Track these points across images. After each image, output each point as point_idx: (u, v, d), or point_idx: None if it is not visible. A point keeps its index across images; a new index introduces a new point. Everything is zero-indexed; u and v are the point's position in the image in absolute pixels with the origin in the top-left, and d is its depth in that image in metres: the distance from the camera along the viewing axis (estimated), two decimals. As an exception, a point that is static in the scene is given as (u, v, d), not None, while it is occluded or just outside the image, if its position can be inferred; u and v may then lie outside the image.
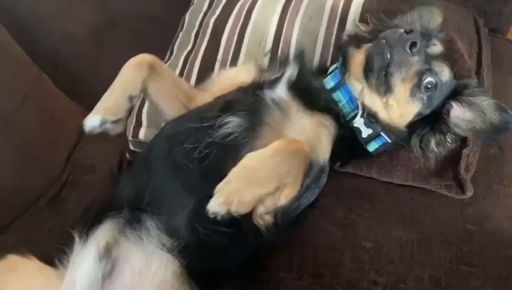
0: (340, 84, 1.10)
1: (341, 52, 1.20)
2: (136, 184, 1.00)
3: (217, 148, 0.95)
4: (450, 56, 1.37)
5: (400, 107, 1.09)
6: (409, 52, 1.01)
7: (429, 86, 1.07)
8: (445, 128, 1.12)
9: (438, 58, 1.12)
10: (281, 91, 1.07)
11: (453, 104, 1.14)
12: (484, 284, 1.07)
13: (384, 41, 1.02)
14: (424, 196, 1.25)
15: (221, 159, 0.94)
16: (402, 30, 1.01)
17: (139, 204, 0.96)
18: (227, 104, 1.04)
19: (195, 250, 0.93)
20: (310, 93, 1.08)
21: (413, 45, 1.01)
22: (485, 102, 1.11)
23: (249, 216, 0.91)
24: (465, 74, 1.33)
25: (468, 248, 1.14)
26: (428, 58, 1.08)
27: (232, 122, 0.98)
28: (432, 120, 1.13)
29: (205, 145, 0.95)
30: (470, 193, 1.21)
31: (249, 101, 1.04)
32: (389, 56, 1.01)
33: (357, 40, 1.18)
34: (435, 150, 1.14)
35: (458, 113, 1.13)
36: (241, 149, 0.95)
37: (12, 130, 1.30)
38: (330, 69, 1.17)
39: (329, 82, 1.12)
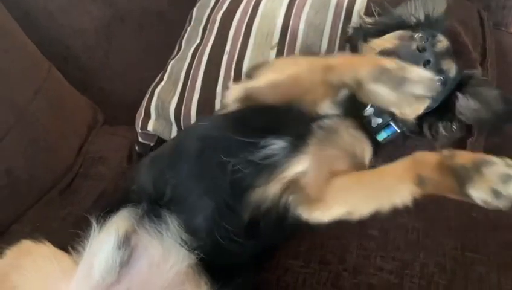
0: None
1: (350, 46, 1.22)
2: (158, 178, 0.98)
3: (253, 167, 0.93)
4: (454, 48, 1.39)
5: (410, 106, 1.09)
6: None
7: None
8: (451, 117, 1.14)
9: (445, 55, 1.13)
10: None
11: (459, 95, 1.16)
12: (489, 271, 1.08)
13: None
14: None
15: (254, 176, 0.93)
16: (415, 47, 1.03)
17: (159, 199, 0.96)
18: (275, 124, 0.98)
19: (212, 248, 0.94)
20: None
21: (427, 63, 1.03)
22: (490, 93, 1.13)
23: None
24: (469, 66, 1.35)
25: (473, 234, 1.15)
26: (437, 57, 1.09)
27: (277, 145, 0.95)
28: (439, 109, 1.14)
29: (243, 163, 0.93)
30: (475, 180, 1.22)
31: (298, 128, 1.00)
32: None
33: (363, 33, 1.20)
34: (444, 133, 1.16)
35: (463, 102, 1.15)
36: (277, 169, 0.94)
37: (25, 121, 1.32)
38: None
39: None
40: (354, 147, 1.07)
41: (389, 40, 1.14)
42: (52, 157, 1.39)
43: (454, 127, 1.15)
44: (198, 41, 1.56)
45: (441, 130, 1.15)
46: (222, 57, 1.44)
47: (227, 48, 1.45)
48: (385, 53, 1.05)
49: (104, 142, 1.55)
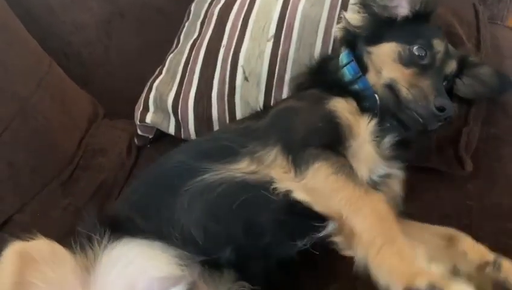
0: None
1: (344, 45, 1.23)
2: (215, 236, 0.97)
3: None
4: (449, 40, 1.41)
5: None
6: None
7: None
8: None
9: (447, 60, 1.17)
10: None
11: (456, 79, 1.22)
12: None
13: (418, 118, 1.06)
14: (425, 174, 1.28)
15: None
16: (435, 109, 1.03)
17: (214, 253, 0.97)
18: None
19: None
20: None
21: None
22: (485, 71, 1.22)
23: None
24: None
25: (468, 221, 1.17)
26: (440, 71, 1.14)
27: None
28: None
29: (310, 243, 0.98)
30: (469, 169, 1.24)
31: None
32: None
33: (353, 37, 1.19)
34: None
35: (460, 83, 1.22)
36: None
37: (27, 113, 1.35)
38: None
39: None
40: None
41: (396, 70, 1.12)
42: (53, 149, 1.42)
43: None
44: (196, 35, 1.59)
45: None
46: (219, 50, 1.47)
47: (224, 41, 1.47)
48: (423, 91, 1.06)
49: (104, 135, 1.58)
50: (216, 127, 1.46)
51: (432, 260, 0.92)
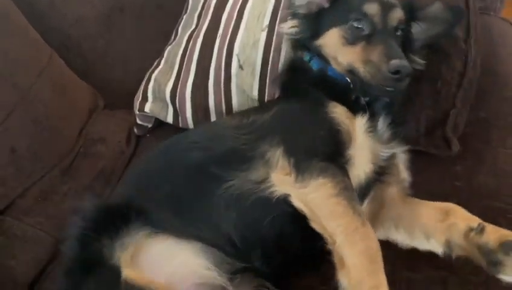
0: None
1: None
2: (251, 241, 1.01)
3: None
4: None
5: None
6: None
7: None
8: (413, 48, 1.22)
9: (392, 10, 1.16)
10: None
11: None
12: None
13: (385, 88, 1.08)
14: (414, 156, 1.31)
15: None
16: (391, 75, 1.04)
17: (247, 254, 1.00)
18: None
19: None
20: None
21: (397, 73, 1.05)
22: (434, 8, 1.23)
23: None
24: (453, 42, 1.41)
25: (456, 201, 1.18)
26: (387, 29, 1.14)
27: None
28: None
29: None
30: (456, 149, 1.27)
31: None
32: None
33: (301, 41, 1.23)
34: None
35: (416, 29, 1.24)
36: None
37: (28, 102, 1.39)
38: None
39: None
40: None
41: (347, 52, 1.14)
42: (54, 137, 1.46)
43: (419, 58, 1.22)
44: (193, 27, 1.63)
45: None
46: (215, 40, 1.50)
47: (220, 31, 1.51)
48: (373, 62, 1.08)
49: (103, 124, 1.62)
50: (213, 115, 1.50)
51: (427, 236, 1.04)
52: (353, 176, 1.04)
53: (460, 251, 1.01)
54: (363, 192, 1.11)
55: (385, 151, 1.12)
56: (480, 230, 0.96)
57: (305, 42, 1.22)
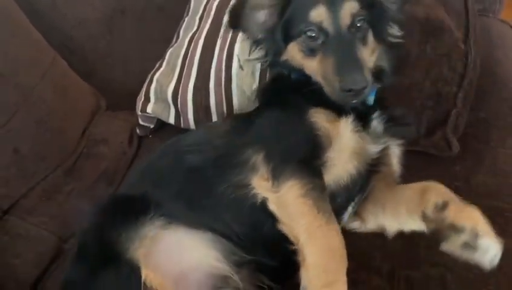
0: None
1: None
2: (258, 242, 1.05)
3: None
4: (437, 28, 1.46)
5: None
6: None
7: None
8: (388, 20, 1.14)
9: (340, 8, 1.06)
10: None
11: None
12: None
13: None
14: (413, 157, 1.32)
15: None
16: (345, 93, 1.01)
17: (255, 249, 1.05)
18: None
19: None
20: None
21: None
22: None
23: None
24: (452, 44, 1.43)
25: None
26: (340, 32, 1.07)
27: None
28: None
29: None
30: (456, 150, 1.29)
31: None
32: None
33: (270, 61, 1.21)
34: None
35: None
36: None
37: (32, 103, 1.41)
38: None
39: None
40: None
41: (309, 64, 1.11)
42: (57, 138, 1.47)
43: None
44: (195, 29, 1.64)
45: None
46: (216, 42, 1.52)
47: (221, 33, 1.52)
48: (328, 79, 1.05)
49: (106, 125, 1.64)
50: (214, 115, 1.52)
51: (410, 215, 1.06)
52: (336, 175, 1.06)
53: (431, 224, 1.02)
54: (362, 183, 1.12)
55: (377, 147, 1.12)
56: (442, 206, 0.99)
57: (275, 61, 1.18)
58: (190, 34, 1.63)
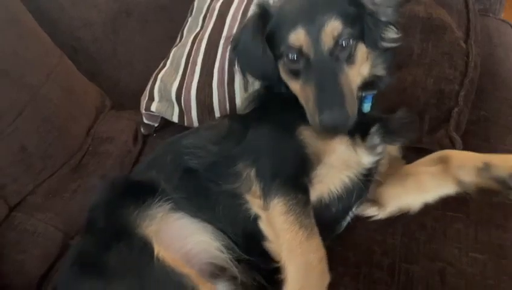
0: None
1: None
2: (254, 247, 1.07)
3: None
4: (439, 27, 1.48)
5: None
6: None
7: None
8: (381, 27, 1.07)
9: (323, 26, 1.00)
10: None
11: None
12: (467, 226, 1.16)
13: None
14: (415, 154, 1.34)
15: None
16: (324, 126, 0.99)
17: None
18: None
19: None
20: None
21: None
22: None
23: None
24: (454, 42, 1.44)
25: (455, 196, 1.22)
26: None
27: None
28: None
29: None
30: (459, 147, 1.30)
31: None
32: None
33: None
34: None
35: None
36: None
37: (38, 101, 1.43)
38: None
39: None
40: None
41: (295, 86, 1.07)
42: (63, 136, 1.49)
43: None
44: (198, 29, 1.67)
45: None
46: (219, 40, 1.54)
47: (224, 33, 1.55)
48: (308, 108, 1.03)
49: (111, 124, 1.66)
50: (217, 113, 1.54)
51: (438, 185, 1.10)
52: (329, 187, 1.07)
53: (474, 186, 1.06)
54: (358, 192, 1.12)
55: (372, 158, 1.12)
56: (487, 167, 1.02)
57: (271, 82, 1.16)
58: (194, 34, 1.66)
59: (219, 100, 1.52)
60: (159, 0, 1.94)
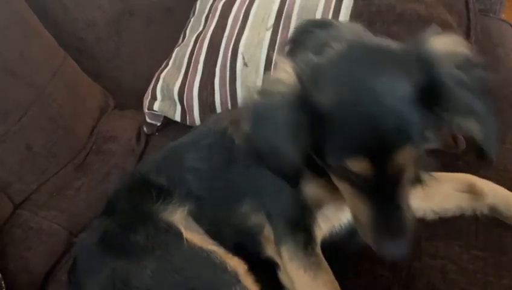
0: None
1: None
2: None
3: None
4: (440, 26, 1.49)
5: None
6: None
7: None
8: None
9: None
10: None
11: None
12: (468, 224, 1.16)
13: None
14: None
15: None
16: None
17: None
18: None
19: None
20: None
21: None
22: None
23: None
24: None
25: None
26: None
27: None
28: None
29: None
30: (463, 146, 1.31)
31: None
32: None
33: None
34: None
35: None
36: None
37: (44, 101, 1.45)
38: None
39: None
40: None
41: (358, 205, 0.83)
42: (68, 135, 1.51)
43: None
44: (200, 28, 1.68)
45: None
46: (221, 40, 1.56)
47: (226, 32, 1.56)
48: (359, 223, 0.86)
49: (114, 123, 1.68)
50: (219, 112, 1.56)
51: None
52: (336, 220, 1.05)
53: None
54: None
55: None
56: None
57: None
58: (196, 34, 1.67)
59: (221, 99, 1.54)
60: (163, 1, 1.96)
